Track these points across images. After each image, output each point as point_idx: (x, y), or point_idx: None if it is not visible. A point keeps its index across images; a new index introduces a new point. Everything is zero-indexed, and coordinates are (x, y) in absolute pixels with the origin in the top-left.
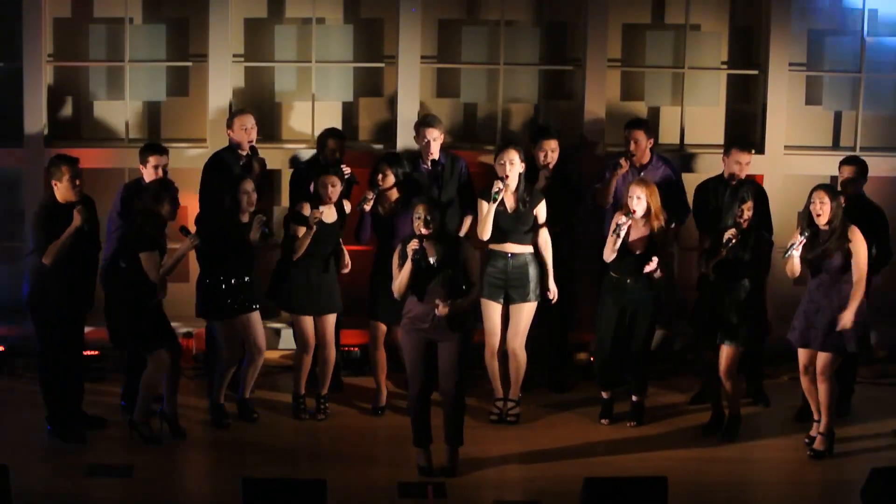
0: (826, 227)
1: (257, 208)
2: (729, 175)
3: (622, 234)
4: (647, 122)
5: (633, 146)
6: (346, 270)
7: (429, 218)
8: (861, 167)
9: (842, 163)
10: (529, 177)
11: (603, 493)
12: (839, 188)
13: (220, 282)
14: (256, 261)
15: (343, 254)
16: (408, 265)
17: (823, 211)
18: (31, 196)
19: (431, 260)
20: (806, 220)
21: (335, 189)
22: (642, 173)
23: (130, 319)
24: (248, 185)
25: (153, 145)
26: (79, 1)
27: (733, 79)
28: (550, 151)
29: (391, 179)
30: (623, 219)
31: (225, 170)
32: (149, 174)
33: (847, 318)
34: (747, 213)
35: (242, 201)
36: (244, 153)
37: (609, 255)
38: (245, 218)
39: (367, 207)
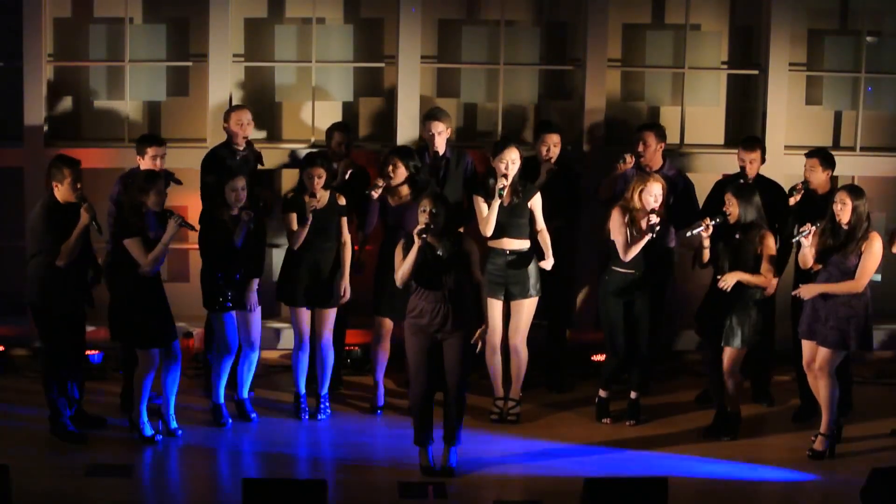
0: (847, 227)
1: (254, 204)
2: (739, 172)
3: (652, 236)
4: (658, 125)
5: (641, 147)
6: (344, 300)
7: (434, 211)
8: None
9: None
10: (531, 170)
11: (603, 493)
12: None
13: (219, 276)
14: (263, 257)
15: (342, 280)
16: (413, 251)
17: (844, 212)
18: (32, 195)
19: (439, 252)
20: (829, 217)
21: (321, 180)
22: None
23: (127, 311)
24: (238, 183)
25: (150, 136)
26: (79, 1)
27: (733, 79)
28: (553, 146)
29: (402, 172)
30: (655, 218)
31: (220, 165)
32: (146, 165)
33: (812, 290)
34: (731, 208)
35: (230, 198)
36: (240, 148)
37: (629, 254)
38: (235, 213)
39: (376, 195)
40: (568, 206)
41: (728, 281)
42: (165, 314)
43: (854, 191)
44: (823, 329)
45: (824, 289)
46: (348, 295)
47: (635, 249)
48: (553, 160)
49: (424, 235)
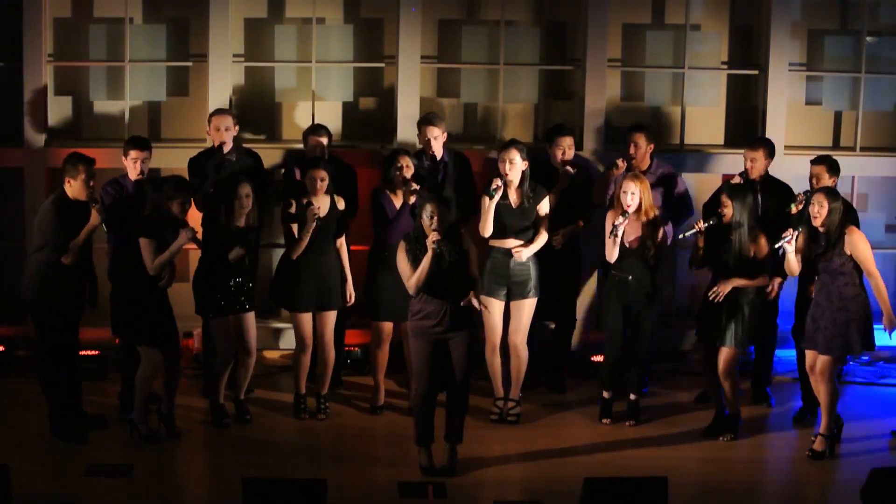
0: (823, 230)
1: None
2: (745, 172)
3: (619, 233)
4: (648, 126)
5: (632, 149)
6: (349, 304)
7: (442, 218)
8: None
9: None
10: (545, 175)
11: (603, 493)
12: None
13: (217, 281)
14: (257, 261)
15: (346, 282)
16: (427, 260)
17: (820, 213)
18: (32, 196)
19: (444, 253)
20: (805, 219)
21: (323, 183)
22: None
23: (130, 307)
24: (243, 190)
25: (136, 139)
26: (79, 1)
27: (733, 79)
28: (567, 148)
29: (412, 170)
30: (620, 218)
31: (199, 170)
32: (129, 167)
33: (890, 318)
34: (726, 209)
35: (235, 206)
36: (225, 152)
37: (611, 255)
38: (241, 222)
39: (412, 199)
40: (583, 208)
41: (721, 290)
42: (168, 314)
43: (831, 193)
44: (824, 337)
45: (881, 292)
46: (353, 299)
47: (610, 252)
48: (568, 163)
49: (437, 247)
